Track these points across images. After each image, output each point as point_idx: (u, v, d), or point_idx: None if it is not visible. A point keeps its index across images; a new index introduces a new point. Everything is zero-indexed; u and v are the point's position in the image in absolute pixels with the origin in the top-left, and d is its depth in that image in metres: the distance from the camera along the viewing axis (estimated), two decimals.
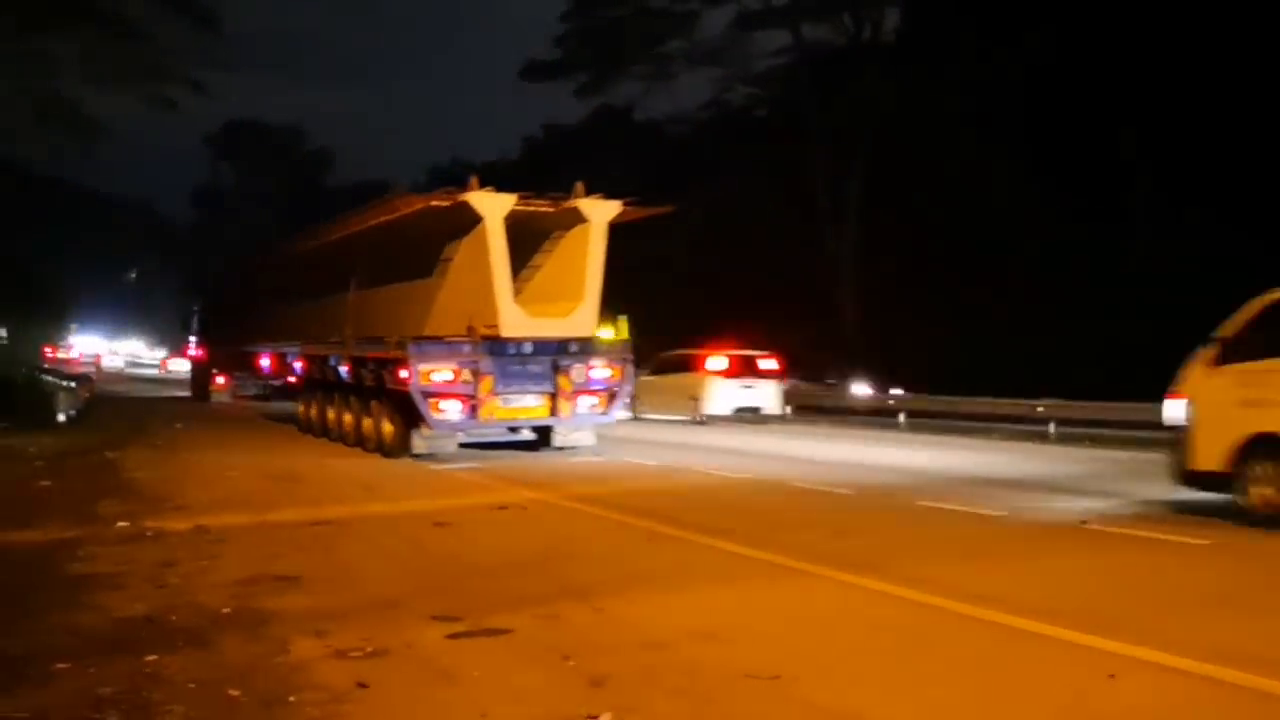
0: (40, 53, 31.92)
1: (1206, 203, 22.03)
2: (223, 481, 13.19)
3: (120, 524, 9.54)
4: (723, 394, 22.59)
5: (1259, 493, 9.19)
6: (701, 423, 22.17)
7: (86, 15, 32.35)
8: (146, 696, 4.75)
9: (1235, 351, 9.41)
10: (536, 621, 6.01)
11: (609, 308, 16.23)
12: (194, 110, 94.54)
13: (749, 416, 22.62)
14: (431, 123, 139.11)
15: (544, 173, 41.92)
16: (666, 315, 35.29)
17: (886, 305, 29.82)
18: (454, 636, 5.75)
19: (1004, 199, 25.95)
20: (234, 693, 4.79)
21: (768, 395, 23.17)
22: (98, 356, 69.34)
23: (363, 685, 4.88)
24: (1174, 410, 9.93)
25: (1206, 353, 9.63)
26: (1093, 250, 23.47)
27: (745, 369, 23.01)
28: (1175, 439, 9.97)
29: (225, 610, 6.35)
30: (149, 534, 9.09)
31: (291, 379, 22.38)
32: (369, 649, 5.47)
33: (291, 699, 4.70)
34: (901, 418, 21.72)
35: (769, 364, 23.52)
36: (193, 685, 4.91)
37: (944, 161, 27.65)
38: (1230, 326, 9.56)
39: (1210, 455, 9.49)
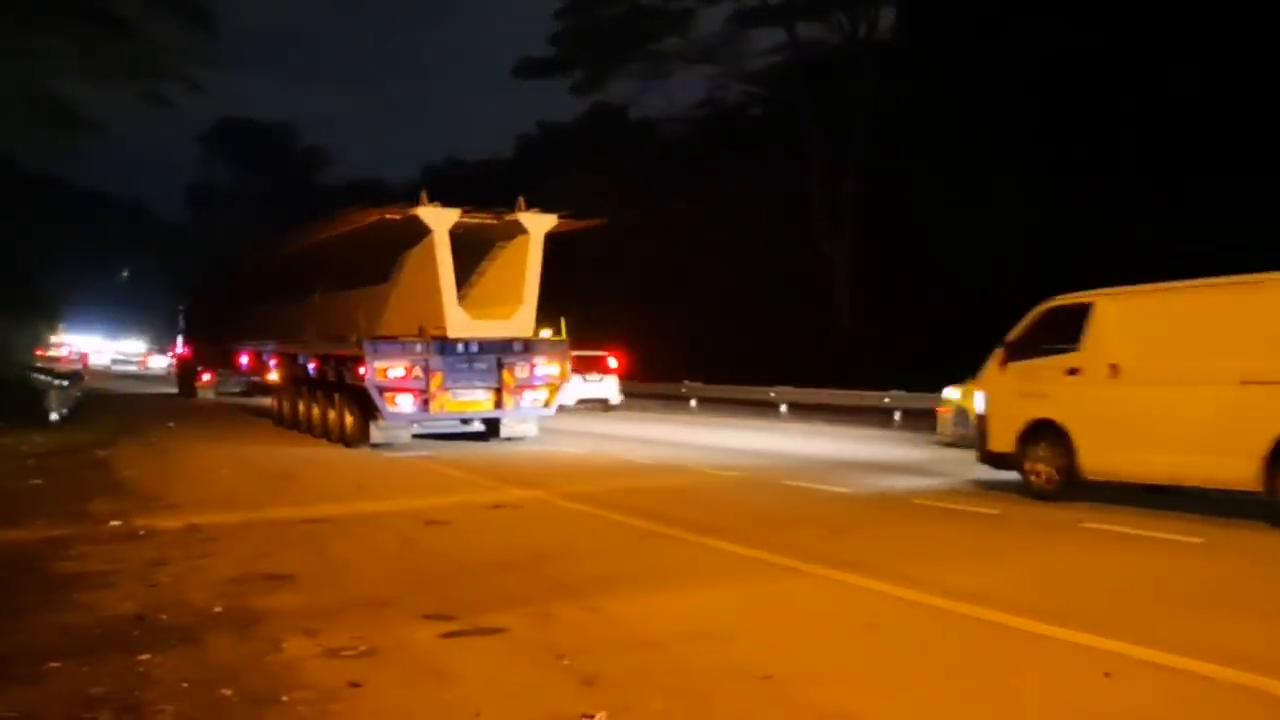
0: (34, 50, 31.83)
1: (1206, 188, 21.96)
2: (214, 479, 13.17)
3: (112, 523, 9.51)
4: (569, 387, 25.31)
5: (1037, 469, 11.05)
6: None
7: (81, 13, 32.27)
8: (138, 696, 4.73)
9: (1018, 352, 11.38)
10: (529, 620, 5.99)
11: (554, 310, 17.81)
12: (189, 108, 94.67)
13: (594, 405, 26.01)
14: (428, 120, 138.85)
15: (538, 170, 42.01)
16: (657, 314, 35.34)
17: (883, 302, 29.78)
18: (446, 636, 5.73)
19: (1002, 193, 25.89)
20: (225, 692, 4.77)
21: (609, 388, 26.89)
22: (84, 355, 69.56)
23: (354, 685, 4.87)
24: (977, 401, 11.99)
25: (998, 353, 11.61)
26: (1093, 241, 23.38)
27: (589, 367, 26.08)
28: (979, 426, 11.92)
29: (217, 609, 6.33)
30: (140, 533, 9.06)
31: (269, 376, 23.82)
32: (361, 648, 5.45)
33: (283, 698, 4.68)
34: None
35: (611, 362, 27.20)
36: (184, 684, 4.89)
37: (940, 158, 27.60)
38: (1015, 331, 11.52)
39: (1002, 439, 11.44)
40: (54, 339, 69.68)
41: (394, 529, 9.41)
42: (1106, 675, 4.94)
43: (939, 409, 18.60)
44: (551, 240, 17.32)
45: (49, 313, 61.26)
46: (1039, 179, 25.37)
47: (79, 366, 55.03)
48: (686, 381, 29.02)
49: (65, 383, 26.43)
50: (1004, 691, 4.83)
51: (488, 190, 26.17)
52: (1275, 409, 9.04)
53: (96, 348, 77.81)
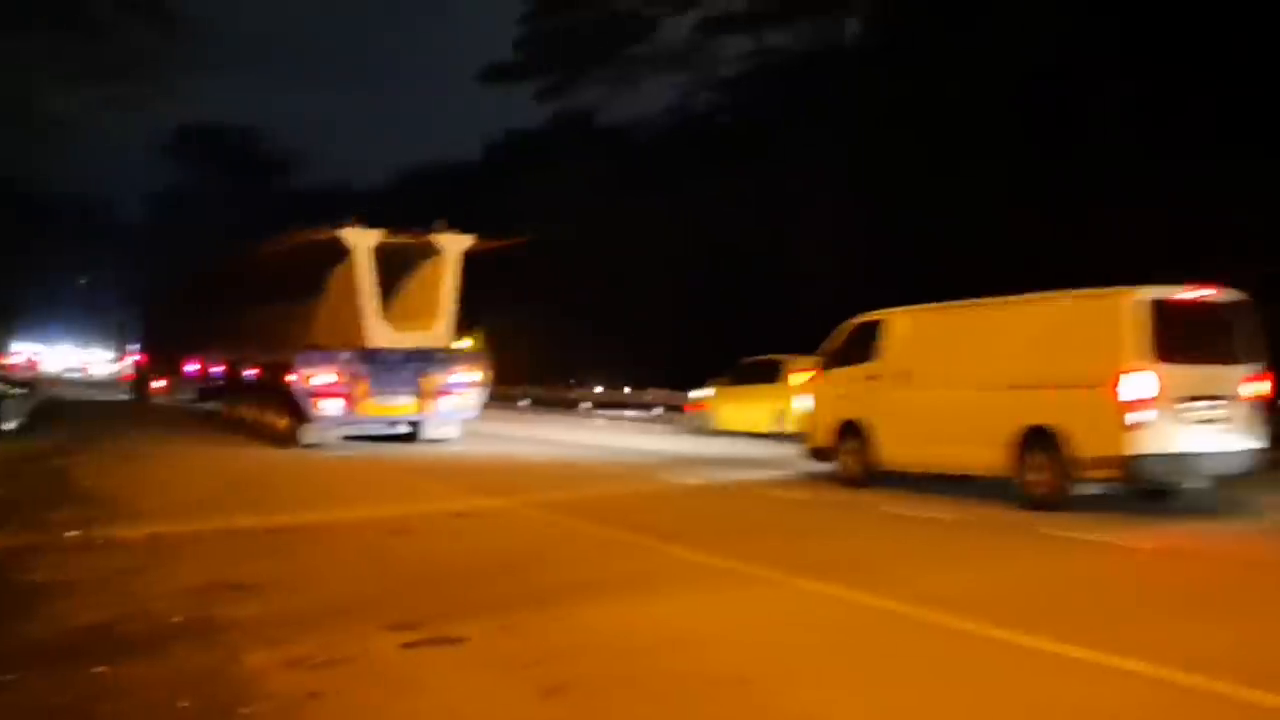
0: (6, 53, 31.36)
1: (1200, 186, 22.06)
2: (176, 487, 13.05)
3: (72, 532, 9.39)
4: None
5: (846, 461, 12.82)
6: None
7: (50, 17, 31.88)
8: (96, 708, 4.68)
9: (834, 361, 13.27)
10: (494, 630, 5.97)
11: (473, 322, 19.56)
12: (157, 112, 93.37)
13: None
14: (400, 124, 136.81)
15: (507, 175, 41.90)
16: (626, 321, 35.31)
17: (861, 309, 29.78)
18: (409, 645, 5.70)
19: (987, 195, 25.82)
20: (184, 704, 4.72)
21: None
22: (33, 362, 68.77)
23: (315, 695, 4.83)
24: (804, 403, 13.98)
25: (819, 362, 13.57)
26: (1086, 241, 23.34)
27: None
28: (809, 424, 13.66)
29: (177, 619, 6.26)
30: (102, 542, 8.95)
31: (217, 383, 25.21)
32: (323, 658, 5.42)
33: (243, 710, 4.64)
34: None
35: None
36: (143, 696, 4.84)
37: (919, 161, 27.57)
38: (830, 344, 13.48)
39: (822, 436, 13.22)
40: (13, 347, 68.74)
41: (360, 538, 9.36)
42: (1068, 680, 4.99)
43: (686, 406, 21.91)
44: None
45: (6, 320, 60.29)
46: (1024, 180, 25.27)
47: (31, 374, 54.38)
48: (651, 390, 29.03)
49: (25, 390, 26.03)
50: (967, 696, 4.86)
51: (460, 195, 26.18)
52: (1018, 407, 10.65)
53: (48, 356, 77.03)
